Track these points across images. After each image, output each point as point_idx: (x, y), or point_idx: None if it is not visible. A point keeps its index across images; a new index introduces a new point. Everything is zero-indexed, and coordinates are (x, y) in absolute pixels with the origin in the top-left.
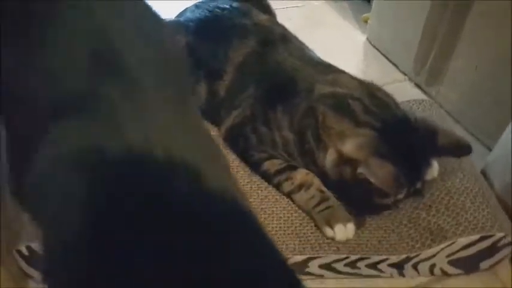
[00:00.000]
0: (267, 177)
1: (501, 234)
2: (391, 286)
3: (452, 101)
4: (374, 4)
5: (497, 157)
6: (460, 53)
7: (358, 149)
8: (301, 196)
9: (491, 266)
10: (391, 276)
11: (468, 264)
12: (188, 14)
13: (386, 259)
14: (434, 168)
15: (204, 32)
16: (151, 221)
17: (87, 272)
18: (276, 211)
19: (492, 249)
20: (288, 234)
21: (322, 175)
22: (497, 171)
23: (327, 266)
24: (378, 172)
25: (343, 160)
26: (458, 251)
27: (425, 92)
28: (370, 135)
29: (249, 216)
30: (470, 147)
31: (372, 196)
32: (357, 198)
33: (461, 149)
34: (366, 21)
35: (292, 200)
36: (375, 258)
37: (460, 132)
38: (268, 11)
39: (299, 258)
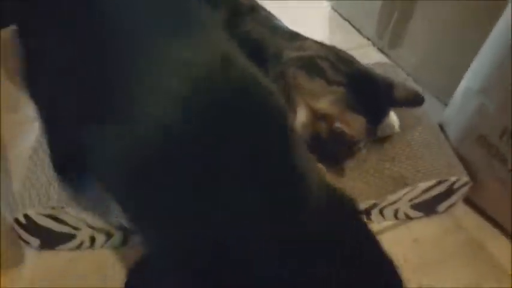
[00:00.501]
0: None
1: (455, 178)
2: None
3: (412, 62)
4: None
5: (451, 111)
6: (418, 16)
7: (332, 105)
8: None
9: (448, 208)
10: None
11: (428, 207)
12: None
13: None
14: (396, 124)
15: None
16: None
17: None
18: None
19: (448, 192)
20: None
21: None
22: (452, 124)
23: None
24: (353, 124)
25: (318, 117)
26: (418, 195)
27: (387, 56)
28: (341, 91)
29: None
30: (423, 97)
31: (344, 146)
32: (332, 151)
33: (414, 100)
34: None
35: None
36: None
37: (418, 88)
38: None
39: None
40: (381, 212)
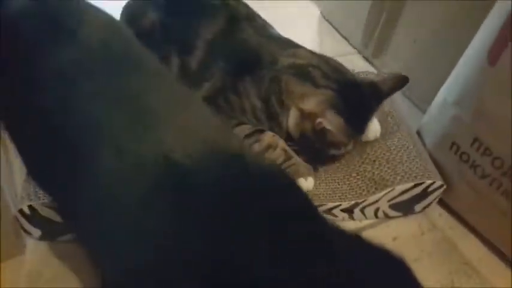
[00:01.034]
0: None
1: (430, 181)
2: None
3: (394, 70)
4: None
5: (428, 120)
6: (401, 27)
7: (317, 104)
8: (269, 156)
9: (423, 208)
10: (343, 219)
11: (405, 207)
12: None
13: (339, 205)
14: (377, 130)
15: (175, 9)
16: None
17: None
18: None
19: (423, 194)
20: None
21: (286, 135)
22: (429, 130)
23: None
24: (333, 122)
25: (304, 116)
26: (396, 196)
27: (372, 64)
28: (329, 94)
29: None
30: (407, 77)
31: (328, 147)
32: (316, 150)
33: (400, 82)
34: None
35: None
36: (330, 205)
37: (399, 97)
38: None
39: None
40: (362, 210)
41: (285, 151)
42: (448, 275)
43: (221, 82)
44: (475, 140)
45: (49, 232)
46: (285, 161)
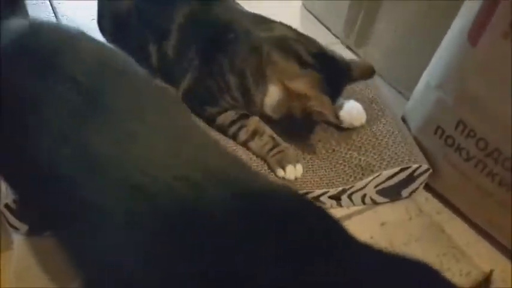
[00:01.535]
0: (222, 129)
1: (416, 165)
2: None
3: (377, 59)
4: None
5: (412, 105)
6: (382, 16)
7: (308, 86)
8: (256, 143)
9: (410, 194)
10: (331, 206)
11: (392, 193)
12: None
13: (327, 192)
14: (363, 117)
15: None
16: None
17: None
18: None
19: (410, 179)
20: None
21: (261, 113)
22: (413, 115)
23: None
24: (324, 104)
25: (292, 96)
26: (383, 181)
27: (354, 53)
28: (317, 76)
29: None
30: (374, 69)
31: (317, 124)
32: (301, 129)
33: (369, 74)
34: None
35: (248, 149)
36: (318, 192)
37: (382, 85)
38: None
39: None
40: (349, 197)
41: (273, 138)
42: (437, 258)
43: (198, 71)
44: (459, 122)
45: (36, 227)
46: (273, 147)
